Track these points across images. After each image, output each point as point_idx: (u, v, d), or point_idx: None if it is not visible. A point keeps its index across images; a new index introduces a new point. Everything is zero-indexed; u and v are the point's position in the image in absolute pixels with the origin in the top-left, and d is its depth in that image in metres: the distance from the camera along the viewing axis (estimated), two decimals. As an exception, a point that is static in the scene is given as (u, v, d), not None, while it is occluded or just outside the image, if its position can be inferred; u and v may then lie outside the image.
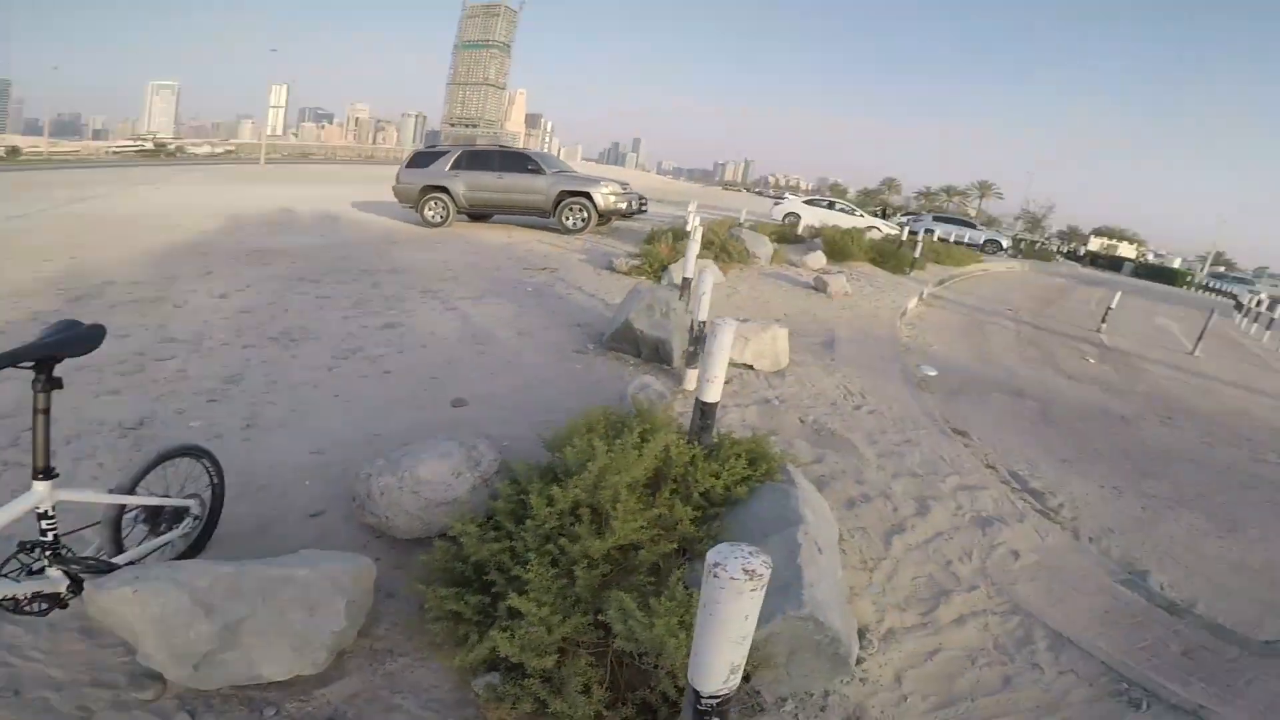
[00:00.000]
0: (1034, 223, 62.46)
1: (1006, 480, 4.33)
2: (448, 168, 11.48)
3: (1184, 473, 5.07)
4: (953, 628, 2.64)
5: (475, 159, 11.72)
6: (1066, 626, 2.76)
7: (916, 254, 13.87)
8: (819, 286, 9.44)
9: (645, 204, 17.44)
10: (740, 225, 13.78)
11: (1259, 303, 16.25)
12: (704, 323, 4.60)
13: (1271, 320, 14.54)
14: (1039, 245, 38.46)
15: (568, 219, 11.42)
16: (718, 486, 2.59)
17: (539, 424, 3.52)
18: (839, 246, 13.24)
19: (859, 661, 2.31)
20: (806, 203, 23.05)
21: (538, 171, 11.51)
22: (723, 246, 10.50)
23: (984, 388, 6.62)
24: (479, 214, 12.29)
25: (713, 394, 2.87)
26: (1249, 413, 7.36)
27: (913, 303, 10.23)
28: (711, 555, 1.15)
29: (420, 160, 11.94)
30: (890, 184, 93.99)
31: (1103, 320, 11.40)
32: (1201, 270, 43.96)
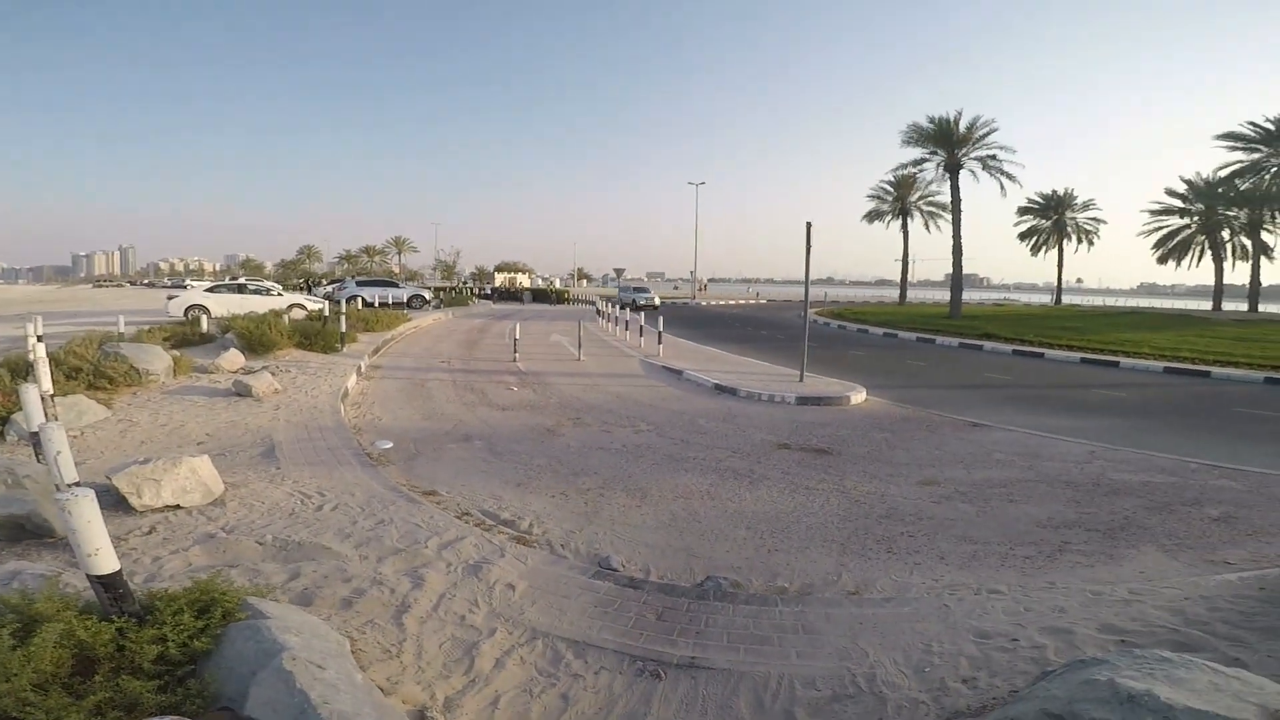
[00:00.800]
0: (448, 270, 70.11)
1: (481, 521, 4.70)
2: None
3: (599, 460, 6.55)
4: (497, 673, 2.77)
5: None
6: (577, 633, 3.15)
7: (343, 328, 13.70)
8: (242, 391, 8.24)
9: None
10: (120, 337, 10.90)
11: (615, 306, 23.72)
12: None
13: (615, 318, 20.56)
14: (456, 291, 42.45)
15: None
16: (171, 649, 2.33)
17: None
18: (258, 337, 11.94)
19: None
20: (211, 290, 20.12)
21: None
22: (97, 370, 8.20)
23: (438, 442, 7.04)
24: None
25: (104, 565, 2.38)
26: (622, 395, 10.13)
27: (352, 380, 10.06)
28: None
29: None
30: (310, 252, 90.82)
31: (515, 350, 13.81)
32: (585, 284, 57.11)
